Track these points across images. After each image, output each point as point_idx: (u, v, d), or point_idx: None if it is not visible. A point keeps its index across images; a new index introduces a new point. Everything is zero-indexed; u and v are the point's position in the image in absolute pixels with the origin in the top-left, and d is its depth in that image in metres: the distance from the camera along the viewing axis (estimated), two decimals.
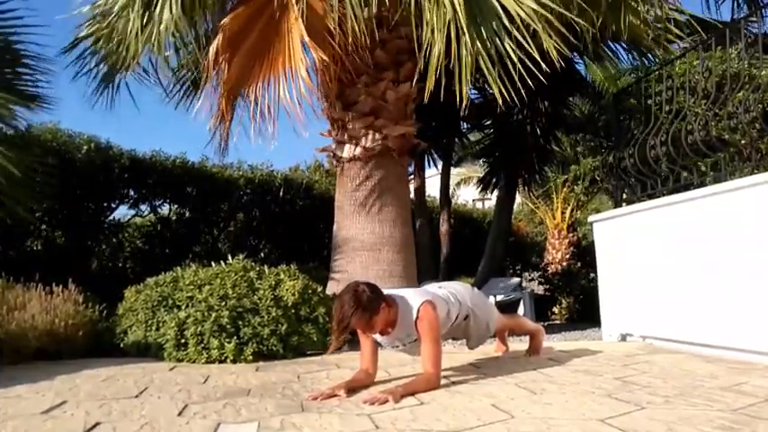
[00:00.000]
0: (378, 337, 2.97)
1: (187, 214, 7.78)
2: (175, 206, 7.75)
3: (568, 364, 3.45)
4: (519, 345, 4.20)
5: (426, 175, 9.04)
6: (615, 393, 2.60)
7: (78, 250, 6.76)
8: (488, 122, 8.85)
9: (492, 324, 3.48)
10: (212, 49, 4.89)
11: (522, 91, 3.97)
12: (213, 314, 3.84)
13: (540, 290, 9.43)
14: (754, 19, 5.83)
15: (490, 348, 3.94)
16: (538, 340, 3.85)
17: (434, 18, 4.18)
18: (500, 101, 4.07)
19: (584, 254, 9.55)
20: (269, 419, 2.26)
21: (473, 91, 7.57)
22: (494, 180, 9.13)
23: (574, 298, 8.42)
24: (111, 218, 7.31)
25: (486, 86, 7.16)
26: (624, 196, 5.75)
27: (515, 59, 3.98)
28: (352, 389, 2.73)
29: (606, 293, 5.03)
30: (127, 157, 7.05)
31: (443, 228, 8.93)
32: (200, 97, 5.54)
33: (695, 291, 3.92)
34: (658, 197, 4.56)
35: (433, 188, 9.76)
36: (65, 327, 3.88)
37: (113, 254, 7.48)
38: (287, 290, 4.11)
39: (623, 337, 4.72)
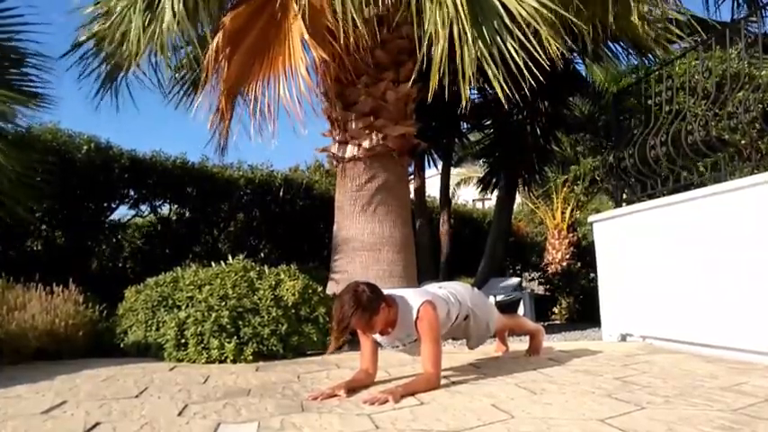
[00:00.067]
0: (378, 337, 2.97)
1: (187, 214, 7.78)
2: (175, 206, 7.75)
3: (568, 364, 3.45)
4: (519, 345, 4.20)
5: (426, 176, 9.03)
6: (615, 393, 2.60)
7: (78, 250, 6.76)
8: (488, 122, 8.85)
9: (492, 324, 3.48)
10: (212, 46, 4.89)
11: (524, 90, 3.97)
12: (213, 314, 3.84)
13: (540, 290, 9.43)
14: (754, 19, 5.82)
15: (490, 348, 3.94)
16: (538, 340, 3.85)
17: (436, 17, 4.18)
18: (503, 100, 4.07)
19: (584, 254, 9.54)
20: (269, 419, 2.26)
21: (473, 91, 7.56)
22: (494, 180, 9.12)
23: (574, 298, 8.42)
24: (111, 218, 7.31)
25: (487, 86, 7.17)
26: (624, 196, 5.75)
27: (517, 59, 3.99)
28: (352, 389, 2.73)
29: (606, 293, 5.03)
30: (127, 158, 7.05)
31: (443, 228, 8.92)
32: (200, 96, 5.54)
33: (695, 291, 3.92)
34: (658, 197, 4.56)
35: (433, 188, 9.75)
36: (65, 327, 3.88)
37: (113, 254, 7.49)
38: (287, 290, 4.12)
39: (623, 337, 4.72)
